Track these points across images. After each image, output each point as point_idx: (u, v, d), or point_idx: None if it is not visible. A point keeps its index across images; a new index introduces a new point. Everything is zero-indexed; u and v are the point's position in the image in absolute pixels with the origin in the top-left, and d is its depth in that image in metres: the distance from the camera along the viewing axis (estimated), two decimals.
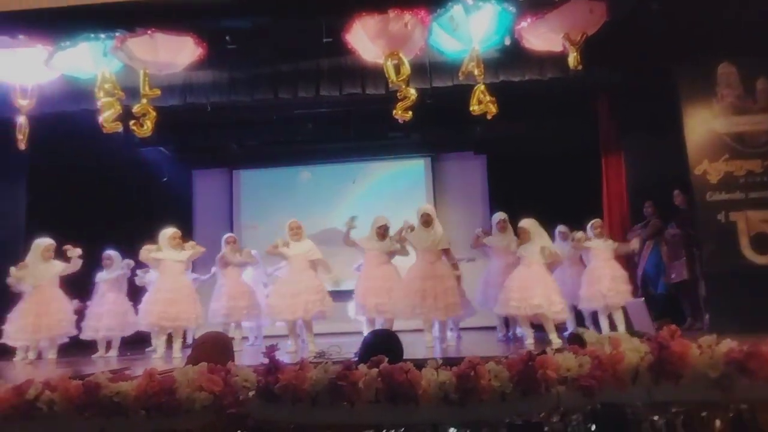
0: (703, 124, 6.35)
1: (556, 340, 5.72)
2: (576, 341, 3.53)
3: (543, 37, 5.80)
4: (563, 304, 6.06)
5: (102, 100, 5.93)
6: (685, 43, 6.08)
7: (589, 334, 3.52)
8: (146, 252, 6.44)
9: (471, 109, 5.85)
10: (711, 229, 6.23)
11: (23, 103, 6.12)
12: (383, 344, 3.25)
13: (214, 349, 3.15)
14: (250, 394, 2.76)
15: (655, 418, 2.80)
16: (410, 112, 5.90)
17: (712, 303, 6.15)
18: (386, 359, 2.96)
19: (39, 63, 5.95)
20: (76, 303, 6.85)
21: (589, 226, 6.69)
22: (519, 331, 6.54)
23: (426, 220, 6.23)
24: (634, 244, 6.67)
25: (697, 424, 2.78)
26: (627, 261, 6.99)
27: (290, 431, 2.75)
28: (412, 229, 6.31)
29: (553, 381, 2.87)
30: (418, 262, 6.24)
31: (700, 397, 2.83)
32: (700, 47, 6.10)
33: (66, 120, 6.99)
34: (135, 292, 7.20)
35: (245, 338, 7.46)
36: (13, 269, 6.47)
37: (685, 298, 6.79)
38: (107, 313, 6.83)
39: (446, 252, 6.28)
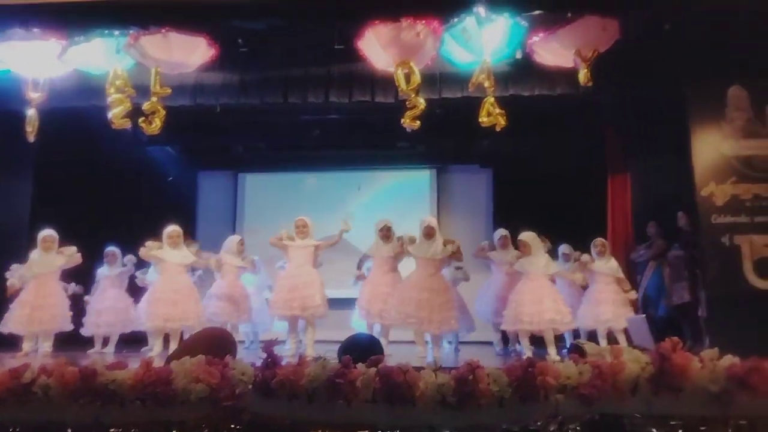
0: (712, 146, 6.34)
1: (555, 356, 5.67)
2: (576, 352, 3.53)
3: (554, 52, 5.81)
4: (570, 314, 6.06)
5: (112, 96, 5.94)
6: (696, 65, 6.10)
7: (590, 346, 3.52)
8: (147, 249, 6.43)
9: (480, 120, 5.84)
10: (714, 251, 6.18)
11: (34, 95, 6.13)
12: (365, 347, 3.25)
13: (210, 342, 3.15)
14: (248, 387, 2.77)
15: (654, 430, 2.80)
16: (418, 122, 5.90)
17: (712, 326, 6.09)
18: (384, 359, 2.96)
19: (52, 57, 5.97)
20: (73, 287, 6.81)
21: (591, 245, 6.67)
22: (518, 346, 6.50)
23: (428, 233, 6.22)
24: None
25: None
26: (629, 282, 6.96)
27: (286, 427, 2.74)
28: (413, 242, 6.31)
29: (553, 388, 2.86)
30: (416, 272, 6.21)
31: (699, 411, 2.83)
32: (711, 69, 6.11)
33: (75, 115, 7.01)
34: (134, 290, 7.18)
35: (241, 342, 7.42)
36: (9, 275, 6.42)
37: (685, 321, 6.74)
38: (107, 310, 6.81)
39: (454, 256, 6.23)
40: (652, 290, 7.03)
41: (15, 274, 6.42)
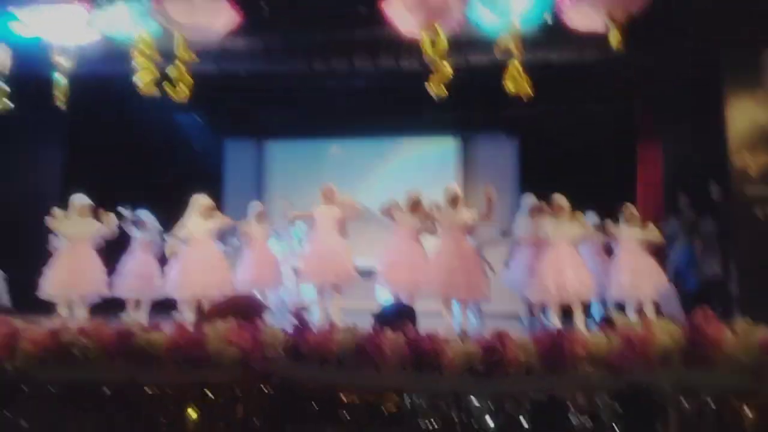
0: (746, 114, 6.15)
1: (583, 327, 5.64)
2: (606, 323, 3.51)
3: (585, 14, 5.61)
4: (593, 283, 6.01)
5: (139, 61, 5.95)
6: (731, 29, 5.89)
7: (620, 318, 3.49)
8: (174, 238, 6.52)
9: (505, 86, 5.73)
10: (747, 223, 6.07)
11: (62, 62, 6.17)
12: (400, 315, 3.26)
13: (240, 308, 3.20)
14: (279, 351, 2.82)
15: (684, 401, 2.78)
16: (445, 89, 5.81)
17: (744, 300, 6.01)
18: (412, 326, 2.98)
19: (79, 22, 5.99)
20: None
21: (620, 211, 6.56)
22: (545, 318, 6.48)
23: (452, 199, 6.18)
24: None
25: (726, 411, 2.74)
26: (658, 255, 6.86)
27: (315, 390, 2.79)
28: (439, 208, 6.27)
29: (581, 359, 2.85)
30: (444, 241, 6.19)
31: (731, 383, 2.80)
32: (746, 33, 5.89)
33: (104, 81, 7.04)
34: (163, 257, 7.30)
35: (269, 309, 7.52)
36: (56, 211, 6.54)
37: (716, 294, 6.64)
38: (135, 273, 6.92)
39: (472, 229, 6.20)
40: (683, 263, 6.91)
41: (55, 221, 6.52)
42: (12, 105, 6.31)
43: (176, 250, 7.07)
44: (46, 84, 6.35)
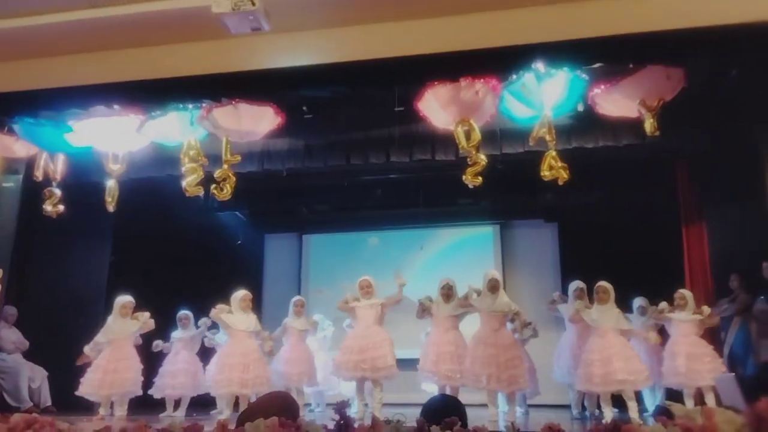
0: None
1: (637, 418, 5.33)
2: (664, 414, 3.30)
3: (617, 103, 5.73)
4: (647, 371, 5.73)
5: (186, 165, 6.24)
6: (767, 108, 5.88)
7: (678, 407, 3.29)
8: (217, 312, 6.57)
9: (542, 174, 5.78)
10: None
11: (114, 168, 6.51)
12: (447, 409, 3.15)
13: (276, 406, 3.14)
14: None
15: None
16: (480, 178, 5.88)
17: None
18: (459, 422, 2.87)
19: (130, 131, 6.37)
20: (160, 344, 7.06)
21: (674, 296, 6.37)
22: (597, 410, 6.17)
23: (493, 286, 6.10)
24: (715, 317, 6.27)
25: None
26: (713, 339, 6.57)
27: None
28: (478, 293, 6.20)
29: None
30: (481, 328, 6.07)
31: None
32: None
33: (151, 184, 7.39)
34: (203, 353, 7.31)
35: (307, 405, 7.37)
36: (87, 348, 6.64)
37: None
38: (180, 372, 6.93)
39: (517, 315, 6.06)
40: (739, 347, 6.57)
41: (92, 346, 6.63)
42: (63, 209, 6.62)
43: (215, 343, 7.09)
44: (96, 189, 6.69)
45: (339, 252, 10.12)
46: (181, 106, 6.19)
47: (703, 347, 6.12)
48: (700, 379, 5.87)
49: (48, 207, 6.60)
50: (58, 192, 6.64)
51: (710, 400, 5.70)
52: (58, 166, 6.70)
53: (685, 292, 6.46)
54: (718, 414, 2.72)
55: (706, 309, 6.31)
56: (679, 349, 6.08)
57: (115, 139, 6.46)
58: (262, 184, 8.00)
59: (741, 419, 2.65)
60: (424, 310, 6.43)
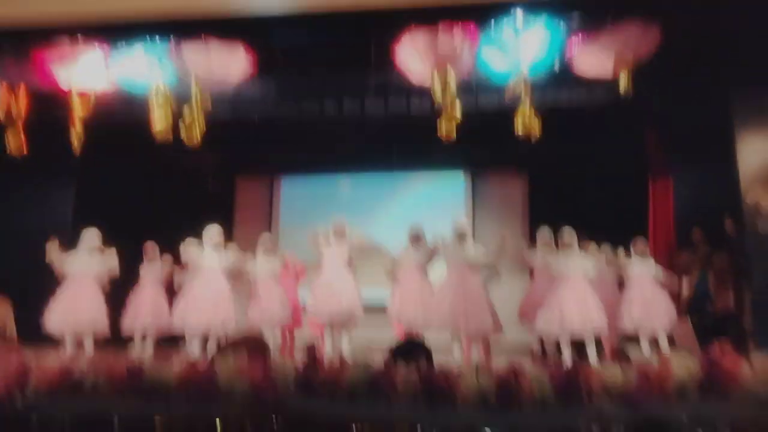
0: (758, 152, 6.18)
1: (596, 361, 5.54)
2: (620, 356, 3.47)
3: (593, 58, 5.73)
4: (605, 318, 5.95)
5: (155, 107, 6.10)
6: (741, 68, 5.95)
7: (634, 350, 3.45)
8: (186, 247, 6.55)
9: (515, 129, 5.80)
10: (761, 259, 6.02)
11: (79, 105, 6.32)
12: (414, 350, 3.23)
13: (248, 346, 3.19)
14: (290, 385, 2.80)
15: None
16: (454, 130, 5.89)
17: (758, 335, 5.93)
18: (425, 362, 2.96)
19: (97, 68, 6.16)
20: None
21: (631, 244, 6.54)
22: (557, 352, 6.39)
23: (460, 234, 6.19)
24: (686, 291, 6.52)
25: None
26: (670, 288, 6.81)
27: (326, 423, 2.76)
28: (445, 242, 6.29)
29: (597, 392, 2.81)
30: (449, 278, 6.19)
31: (748, 415, 2.74)
32: (756, 72, 5.95)
33: (118, 124, 7.19)
34: (172, 291, 7.29)
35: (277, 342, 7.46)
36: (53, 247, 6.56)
37: (730, 329, 6.55)
38: (145, 308, 6.90)
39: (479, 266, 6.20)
40: (697, 297, 6.85)
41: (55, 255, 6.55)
42: (26, 147, 6.43)
43: (182, 281, 7.05)
44: (60, 125, 6.50)
45: (311, 195, 10.11)
46: (149, 44, 5.99)
47: (659, 295, 6.32)
48: (657, 325, 6.08)
49: (11, 144, 6.40)
50: (20, 128, 6.43)
51: (663, 344, 5.94)
52: (21, 102, 6.47)
53: (642, 241, 6.62)
54: (673, 357, 2.87)
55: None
56: (636, 296, 6.28)
57: (80, 76, 6.25)
58: (233, 127, 7.85)
59: (695, 363, 2.80)
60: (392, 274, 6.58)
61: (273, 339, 6.84)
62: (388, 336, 6.62)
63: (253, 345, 3.21)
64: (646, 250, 6.51)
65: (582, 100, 6.56)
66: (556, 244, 6.44)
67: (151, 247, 7.19)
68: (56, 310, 6.41)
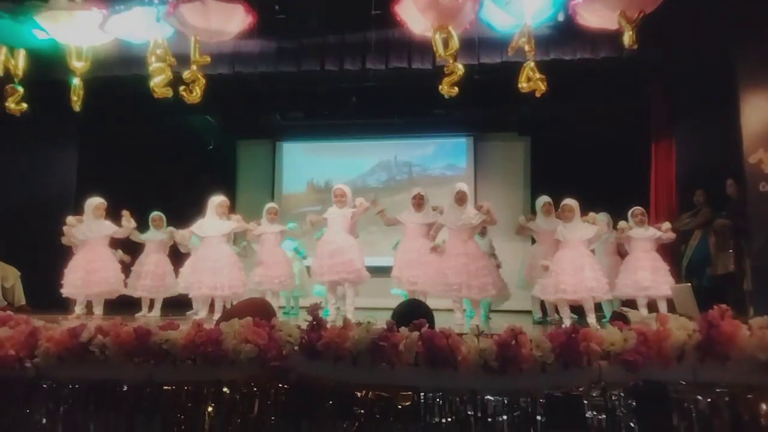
0: (761, 112, 6.10)
1: (595, 324, 5.62)
2: (619, 319, 3.50)
3: (598, 13, 5.61)
4: (608, 284, 6.01)
5: (153, 65, 6.02)
6: (746, 26, 5.84)
7: (633, 314, 3.49)
8: (188, 233, 6.62)
9: (519, 86, 5.73)
10: (762, 220, 6.02)
11: (78, 65, 6.25)
12: (415, 313, 3.27)
13: (253, 311, 3.22)
14: (294, 349, 2.85)
15: (699, 397, 2.77)
16: (456, 88, 5.82)
17: (757, 297, 5.97)
18: (427, 324, 2.99)
19: (94, 26, 6.06)
20: (120, 254, 6.98)
21: (629, 213, 6.54)
22: (557, 315, 6.47)
23: (459, 198, 6.18)
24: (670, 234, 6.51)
25: (741, 407, 2.73)
26: (672, 250, 6.83)
27: (331, 387, 2.82)
28: (441, 212, 6.35)
29: (596, 354, 2.85)
30: (450, 240, 6.21)
31: (746, 379, 2.79)
32: (761, 30, 5.85)
33: (118, 84, 7.14)
34: (177, 255, 7.36)
35: (281, 307, 7.58)
36: (70, 218, 6.66)
37: (730, 291, 6.60)
38: (149, 273, 6.98)
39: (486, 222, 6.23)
40: (697, 259, 6.87)
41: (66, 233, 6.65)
42: (27, 107, 6.42)
43: (190, 248, 7.14)
44: (60, 87, 6.46)
45: (314, 159, 10.09)
46: (147, 0, 5.88)
47: (660, 261, 6.37)
48: (657, 291, 6.14)
49: (11, 105, 6.37)
50: (20, 89, 6.39)
51: (663, 308, 6.00)
52: (20, 62, 6.41)
53: (642, 209, 6.62)
54: (671, 320, 2.90)
55: (666, 224, 6.51)
56: (639, 263, 6.32)
57: (78, 34, 6.16)
58: (233, 87, 7.77)
59: (693, 325, 2.84)
60: (393, 219, 6.57)
61: (275, 302, 6.98)
62: (392, 300, 6.70)
63: (258, 310, 3.24)
64: (644, 217, 6.51)
65: (586, 57, 6.45)
66: (557, 210, 6.44)
67: (158, 217, 7.23)
68: (75, 273, 6.55)
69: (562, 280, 5.88)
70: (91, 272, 6.57)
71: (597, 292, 5.86)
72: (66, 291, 6.57)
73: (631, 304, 6.36)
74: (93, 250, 6.70)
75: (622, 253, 6.77)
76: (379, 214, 6.56)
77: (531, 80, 5.71)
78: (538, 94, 5.76)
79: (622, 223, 6.47)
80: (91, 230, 6.74)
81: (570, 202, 6.24)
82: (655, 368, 2.66)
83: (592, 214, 6.24)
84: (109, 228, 6.80)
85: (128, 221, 6.80)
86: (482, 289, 5.95)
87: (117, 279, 6.77)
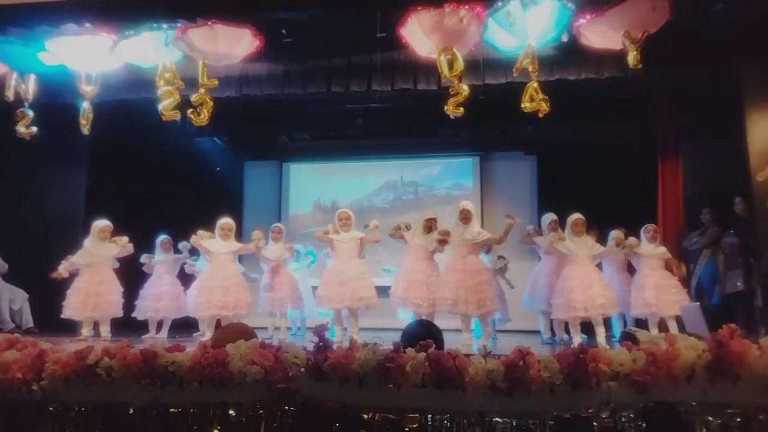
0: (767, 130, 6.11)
1: (605, 344, 5.57)
2: (629, 340, 3.47)
3: (602, 34, 5.67)
4: (616, 299, 5.97)
5: (162, 88, 6.12)
6: (751, 44, 5.85)
7: (643, 334, 3.45)
8: (197, 238, 6.59)
9: (522, 106, 5.77)
10: None
11: (87, 89, 6.35)
12: (425, 334, 3.25)
13: (235, 339, 3.18)
14: (300, 370, 2.83)
15: (710, 418, 2.73)
16: (462, 109, 5.86)
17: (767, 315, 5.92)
18: (434, 345, 2.97)
19: (103, 51, 6.16)
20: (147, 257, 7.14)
21: (642, 230, 6.52)
22: (565, 335, 6.41)
23: (464, 216, 6.19)
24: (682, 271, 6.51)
25: (754, 427, 2.69)
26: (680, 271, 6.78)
27: (337, 409, 2.79)
28: (407, 228, 6.43)
29: (605, 375, 2.82)
30: (451, 257, 6.22)
31: (757, 399, 2.75)
32: (766, 48, 5.86)
33: (126, 107, 7.23)
34: (184, 278, 7.38)
35: (289, 328, 7.55)
36: (62, 266, 6.66)
37: (740, 310, 6.53)
38: (165, 294, 7.02)
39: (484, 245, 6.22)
40: (706, 278, 6.83)
41: (65, 264, 6.66)
42: (36, 131, 6.50)
43: (196, 270, 7.16)
44: (70, 111, 6.54)
45: (320, 180, 10.13)
46: (155, 25, 5.98)
47: (669, 279, 6.35)
48: (666, 310, 6.12)
49: (21, 128, 6.47)
50: (30, 113, 6.49)
51: (673, 328, 5.96)
52: (30, 87, 6.52)
53: (655, 226, 6.61)
54: (681, 340, 2.87)
55: (681, 266, 6.51)
56: (648, 281, 6.31)
57: (87, 58, 6.26)
58: (240, 109, 7.86)
59: (702, 345, 2.81)
60: (398, 229, 6.55)
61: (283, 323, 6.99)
62: (398, 322, 6.68)
63: (237, 337, 3.18)
64: (656, 234, 6.50)
65: (591, 77, 6.47)
66: (563, 228, 6.43)
67: (166, 240, 7.26)
68: (76, 295, 6.56)
69: (573, 299, 5.85)
70: (92, 295, 6.58)
71: (607, 308, 5.83)
72: (66, 313, 6.56)
73: (643, 323, 6.32)
74: (97, 273, 6.73)
75: (631, 270, 6.74)
76: (395, 232, 6.57)
77: (534, 100, 5.75)
78: (541, 115, 5.79)
79: (630, 239, 6.45)
80: (95, 253, 6.77)
81: (579, 217, 6.24)
82: (664, 389, 2.63)
83: (616, 232, 6.26)
84: (113, 250, 6.84)
85: (121, 242, 6.84)
86: (480, 305, 5.92)
87: (117, 302, 6.78)
